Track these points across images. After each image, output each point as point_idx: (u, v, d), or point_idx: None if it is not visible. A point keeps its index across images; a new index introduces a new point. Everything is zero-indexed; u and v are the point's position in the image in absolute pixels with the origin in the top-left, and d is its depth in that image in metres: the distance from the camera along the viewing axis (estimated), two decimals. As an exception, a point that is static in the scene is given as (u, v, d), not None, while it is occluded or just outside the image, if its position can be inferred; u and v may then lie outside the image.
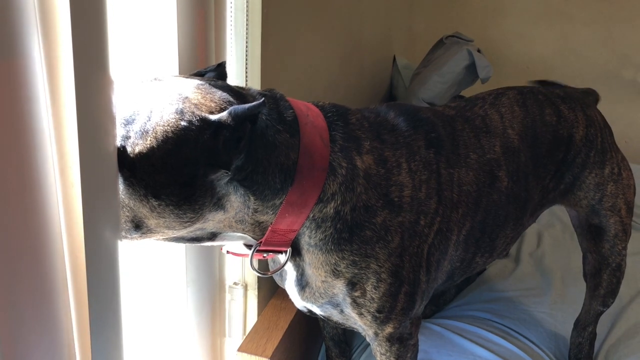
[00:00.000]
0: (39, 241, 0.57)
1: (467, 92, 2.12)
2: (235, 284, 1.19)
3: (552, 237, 1.97)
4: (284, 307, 1.26)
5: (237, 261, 1.18)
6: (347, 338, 1.40)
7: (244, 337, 1.18)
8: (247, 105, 0.69)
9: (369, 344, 1.39)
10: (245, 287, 1.20)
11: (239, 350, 1.13)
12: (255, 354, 1.11)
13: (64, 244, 0.60)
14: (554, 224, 2.02)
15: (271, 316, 1.23)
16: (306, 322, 1.33)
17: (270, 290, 1.29)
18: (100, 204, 0.63)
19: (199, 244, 0.82)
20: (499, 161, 1.02)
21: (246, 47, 1.03)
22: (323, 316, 0.97)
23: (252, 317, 1.22)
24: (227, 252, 0.90)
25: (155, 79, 0.74)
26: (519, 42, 2.69)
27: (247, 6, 1.01)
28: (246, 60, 1.04)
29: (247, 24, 1.02)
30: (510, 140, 1.05)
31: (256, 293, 1.20)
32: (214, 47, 0.97)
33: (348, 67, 1.83)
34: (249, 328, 1.21)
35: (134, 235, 0.72)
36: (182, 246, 0.97)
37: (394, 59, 2.54)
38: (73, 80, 0.55)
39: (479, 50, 2.12)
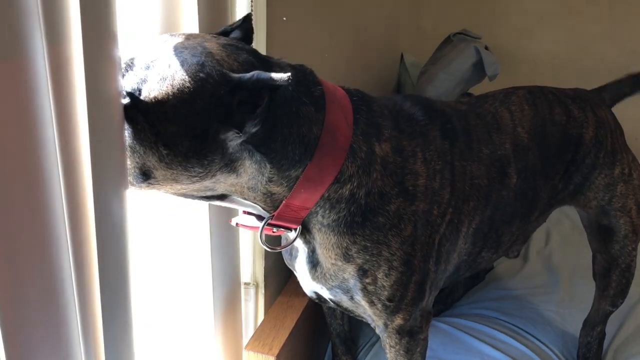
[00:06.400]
0: (43, 230, 0.58)
1: (475, 90, 2.11)
2: (246, 284, 1.19)
3: (560, 235, 1.96)
4: (291, 306, 1.26)
5: (248, 261, 1.18)
6: (353, 336, 1.40)
7: (251, 335, 1.19)
8: (271, 74, 0.68)
9: (375, 342, 1.39)
10: (256, 286, 1.19)
11: (246, 348, 1.13)
12: (262, 352, 1.12)
13: (68, 232, 0.61)
14: (562, 222, 2.01)
15: (278, 314, 1.23)
16: (313, 321, 1.33)
17: (277, 288, 1.29)
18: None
19: (207, 202, 0.82)
20: (509, 158, 1.03)
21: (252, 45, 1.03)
22: (333, 301, 0.97)
23: (259, 315, 1.22)
24: (237, 224, 0.89)
25: (183, 34, 0.74)
26: (527, 39, 2.67)
27: (252, 4, 1.01)
28: (252, 59, 1.04)
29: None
30: (520, 138, 1.05)
31: (263, 291, 1.20)
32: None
33: (355, 65, 1.83)
34: (256, 326, 1.21)
35: (141, 184, 0.72)
36: (207, 244, 0.95)
37: (402, 56, 2.53)
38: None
39: (486, 48, 2.10)
